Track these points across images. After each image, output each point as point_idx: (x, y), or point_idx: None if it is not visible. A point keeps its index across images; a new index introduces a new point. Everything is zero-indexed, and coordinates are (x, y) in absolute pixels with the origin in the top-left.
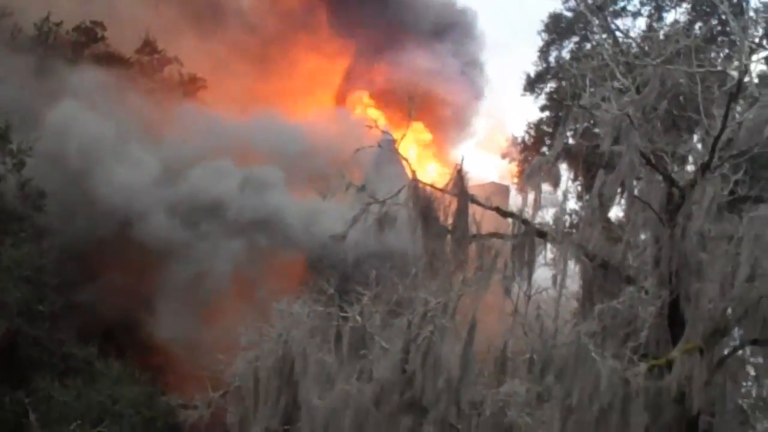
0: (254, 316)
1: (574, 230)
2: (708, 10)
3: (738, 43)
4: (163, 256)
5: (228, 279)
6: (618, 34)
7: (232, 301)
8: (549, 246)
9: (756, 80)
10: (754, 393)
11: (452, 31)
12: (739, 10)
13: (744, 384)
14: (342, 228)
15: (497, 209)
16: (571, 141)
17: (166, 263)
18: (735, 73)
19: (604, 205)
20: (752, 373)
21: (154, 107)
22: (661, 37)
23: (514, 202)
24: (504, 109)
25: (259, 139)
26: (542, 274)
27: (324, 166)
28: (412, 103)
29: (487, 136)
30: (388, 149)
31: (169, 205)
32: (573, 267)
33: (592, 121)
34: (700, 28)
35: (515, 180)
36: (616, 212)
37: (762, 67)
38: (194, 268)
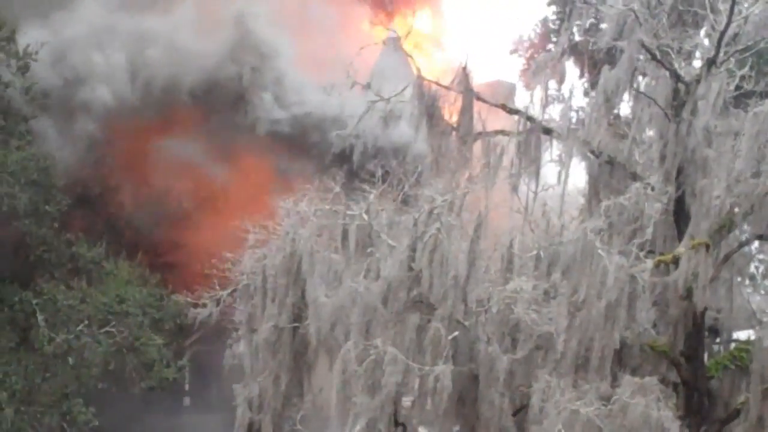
0: (261, 215)
1: (580, 127)
2: None
3: None
4: None
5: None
6: None
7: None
8: (555, 143)
9: None
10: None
11: None
12: None
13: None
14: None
15: (503, 106)
16: (577, 38)
17: None
18: None
19: (610, 102)
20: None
21: None
22: None
23: (521, 99)
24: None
25: None
26: (549, 171)
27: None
28: None
29: (492, 33)
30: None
31: None
32: (579, 163)
33: (597, 17)
34: None
35: (521, 77)
36: (623, 109)
37: None
38: None
